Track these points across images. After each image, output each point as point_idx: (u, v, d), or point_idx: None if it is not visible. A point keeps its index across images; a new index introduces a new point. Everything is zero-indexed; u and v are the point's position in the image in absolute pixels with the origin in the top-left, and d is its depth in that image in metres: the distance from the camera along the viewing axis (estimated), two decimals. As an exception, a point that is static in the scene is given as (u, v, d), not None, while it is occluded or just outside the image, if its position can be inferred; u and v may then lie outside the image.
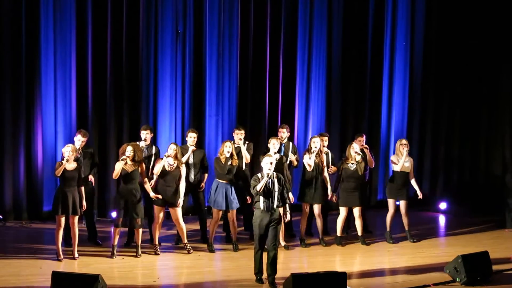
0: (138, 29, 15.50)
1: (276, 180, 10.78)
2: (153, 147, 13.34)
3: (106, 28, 15.32)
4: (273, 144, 12.79)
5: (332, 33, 16.91)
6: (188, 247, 12.57)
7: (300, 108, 16.82)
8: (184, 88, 15.98)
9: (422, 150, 17.70)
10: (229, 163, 12.65)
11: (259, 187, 10.65)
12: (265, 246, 10.80)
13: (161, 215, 12.45)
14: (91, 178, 12.93)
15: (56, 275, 9.59)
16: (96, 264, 11.66)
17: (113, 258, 12.00)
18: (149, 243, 12.82)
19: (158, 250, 12.45)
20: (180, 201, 12.47)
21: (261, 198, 10.69)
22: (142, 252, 12.33)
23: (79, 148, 12.57)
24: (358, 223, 13.34)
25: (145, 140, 13.10)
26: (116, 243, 12.14)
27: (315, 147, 13.07)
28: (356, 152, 13.10)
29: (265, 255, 10.77)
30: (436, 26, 17.52)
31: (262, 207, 10.67)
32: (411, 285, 10.75)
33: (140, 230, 12.18)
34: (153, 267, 11.78)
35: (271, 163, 10.76)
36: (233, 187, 12.71)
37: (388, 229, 13.65)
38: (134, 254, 12.22)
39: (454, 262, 10.93)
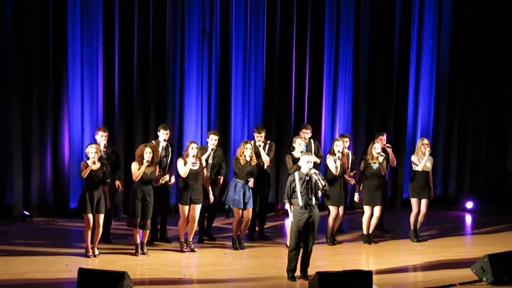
0: (165, 27, 15.56)
1: (313, 176, 10.78)
2: (169, 146, 13.14)
3: (133, 27, 15.38)
4: (299, 144, 12.80)
5: (359, 31, 16.87)
6: (191, 245, 12.53)
7: (326, 106, 16.78)
8: (210, 86, 16.01)
9: (449, 149, 17.61)
10: (249, 164, 12.63)
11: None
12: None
13: (187, 213, 12.40)
14: (118, 183, 12.99)
15: (82, 272, 9.61)
16: (122, 261, 11.70)
17: (137, 256, 12.01)
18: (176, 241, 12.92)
19: (185, 247, 12.43)
20: (211, 196, 12.75)
21: (299, 195, 10.71)
22: (169, 250, 12.46)
23: (104, 144, 12.62)
24: (373, 222, 13.30)
25: (164, 140, 12.93)
26: (139, 241, 12.13)
27: (338, 151, 12.96)
28: (378, 153, 13.12)
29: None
30: (463, 24, 17.41)
31: (300, 204, 10.69)
32: (437, 284, 10.68)
33: (148, 231, 12.20)
34: (178, 264, 11.80)
35: (308, 162, 10.77)
36: (249, 187, 12.69)
37: (412, 227, 13.59)
38: (160, 251, 12.32)
39: (480, 262, 10.85)
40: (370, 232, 13.36)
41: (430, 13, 17.33)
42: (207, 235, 13.35)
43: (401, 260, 12.24)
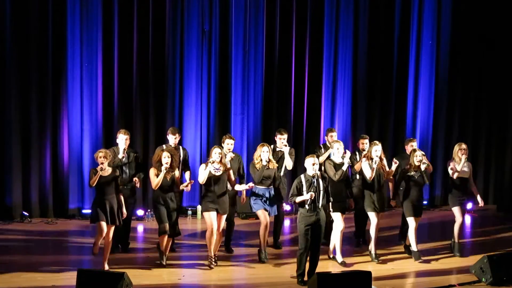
0: (164, 28, 15.56)
1: (321, 180, 10.69)
2: (181, 150, 12.66)
3: (132, 27, 15.40)
4: (337, 149, 11.81)
5: (358, 32, 16.86)
6: (216, 257, 11.69)
7: (326, 107, 16.76)
8: (210, 87, 16.00)
9: (448, 149, 17.59)
10: (266, 168, 11.87)
11: (299, 199, 10.60)
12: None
13: (215, 222, 11.50)
14: (135, 179, 12.13)
15: (81, 273, 9.61)
16: (121, 263, 11.68)
17: (164, 264, 11.46)
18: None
19: (213, 263, 11.52)
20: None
21: None
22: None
23: (124, 148, 12.08)
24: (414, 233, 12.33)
25: (175, 145, 12.44)
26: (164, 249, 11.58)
27: (377, 156, 11.90)
28: (421, 162, 12.15)
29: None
30: (463, 25, 17.39)
31: (307, 206, 10.60)
32: (437, 285, 10.69)
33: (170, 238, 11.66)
34: (177, 265, 11.77)
35: (314, 164, 10.61)
36: (271, 192, 12.02)
37: (456, 240, 12.80)
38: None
39: (480, 262, 10.86)
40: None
41: (430, 14, 17.31)
42: (226, 247, 12.60)
43: (401, 261, 12.22)
